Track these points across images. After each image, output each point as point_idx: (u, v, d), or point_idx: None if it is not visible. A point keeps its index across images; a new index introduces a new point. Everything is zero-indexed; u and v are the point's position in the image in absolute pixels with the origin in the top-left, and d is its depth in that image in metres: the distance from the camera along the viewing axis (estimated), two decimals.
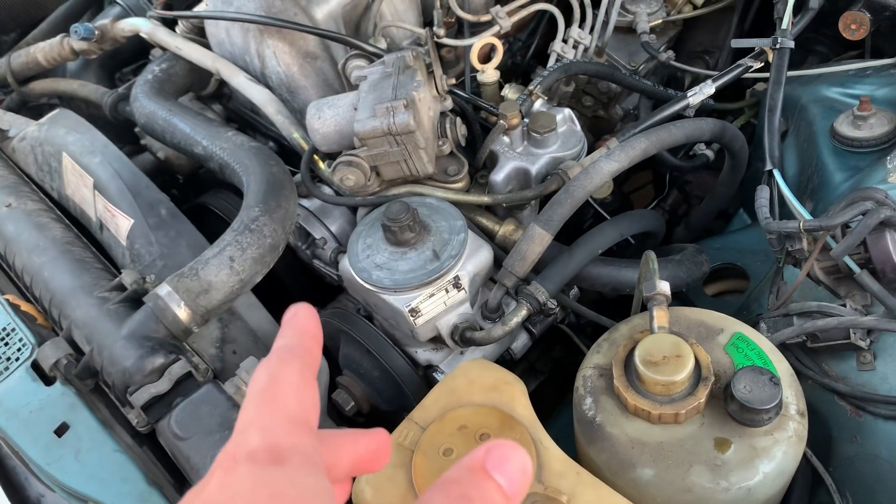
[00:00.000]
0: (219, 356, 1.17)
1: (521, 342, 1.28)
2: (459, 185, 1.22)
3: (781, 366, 0.94)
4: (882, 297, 1.00)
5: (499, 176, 1.22)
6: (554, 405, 1.51)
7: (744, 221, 1.62)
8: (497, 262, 1.17)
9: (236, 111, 1.60)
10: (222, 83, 1.54)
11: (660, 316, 0.94)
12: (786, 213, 1.14)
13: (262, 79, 1.42)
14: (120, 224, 1.27)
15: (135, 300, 1.11)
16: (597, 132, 1.70)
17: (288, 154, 1.42)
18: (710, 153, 1.50)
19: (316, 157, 1.28)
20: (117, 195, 1.28)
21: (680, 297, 1.40)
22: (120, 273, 1.14)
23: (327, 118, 1.20)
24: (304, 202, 1.34)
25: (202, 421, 0.99)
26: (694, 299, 1.42)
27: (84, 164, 1.32)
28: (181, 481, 1.02)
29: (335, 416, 1.24)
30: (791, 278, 1.11)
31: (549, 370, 1.53)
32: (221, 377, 1.11)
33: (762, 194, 1.12)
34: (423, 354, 1.19)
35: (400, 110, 1.09)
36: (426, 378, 1.20)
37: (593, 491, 0.86)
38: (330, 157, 1.26)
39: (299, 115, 1.36)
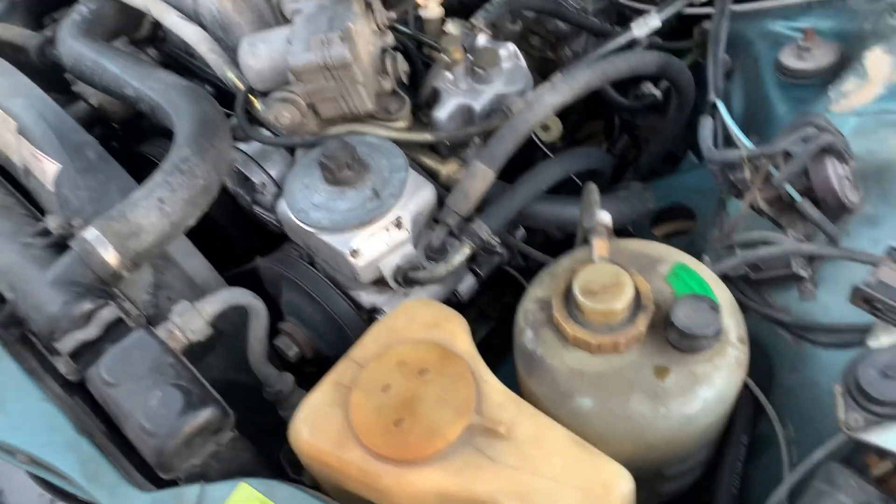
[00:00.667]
0: (153, 302, 1.13)
1: (467, 284, 1.26)
2: (401, 123, 1.19)
3: (722, 294, 0.93)
4: (822, 225, 1.00)
5: (442, 113, 1.19)
6: (504, 351, 1.50)
7: (693, 165, 1.61)
8: (441, 202, 1.14)
9: (172, 54, 1.54)
10: (157, 26, 1.47)
11: (600, 246, 0.92)
12: (730, 146, 1.13)
13: (194, 17, 1.35)
14: (46, 169, 1.21)
15: (61, 245, 1.06)
16: (546, 74, 1.66)
17: (227, 98, 1.36)
18: (657, 93, 1.48)
19: (252, 97, 1.23)
20: (42, 139, 1.21)
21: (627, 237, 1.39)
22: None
23: (261, 54, 1.15)
24: (242, 146, 1.29)
25: (133, 367, 0.96)
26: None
27: (6, 108, 1.25)
28: (113, 429, 0.99)
29: (279, 362, 1.21)
30: (735, 211, 1.10)
31: (499, 315, 1.52)
32: (155, 324, 1.07)
33: (705, 125, 1.11)
34: (367, 297, 1.17)
35: (335, 42, 1.05)
36: (370, 321, 1.18)
37: (533, 421, 0.85)
38: (267, 96, 1.21)
39: (234, 54, 1.30)
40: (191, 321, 1.01)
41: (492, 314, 1.52)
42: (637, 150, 1.72)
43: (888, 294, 0.86)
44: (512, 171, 1.17)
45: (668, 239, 1.46)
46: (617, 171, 1.71)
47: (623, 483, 0.79)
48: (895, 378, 0.81)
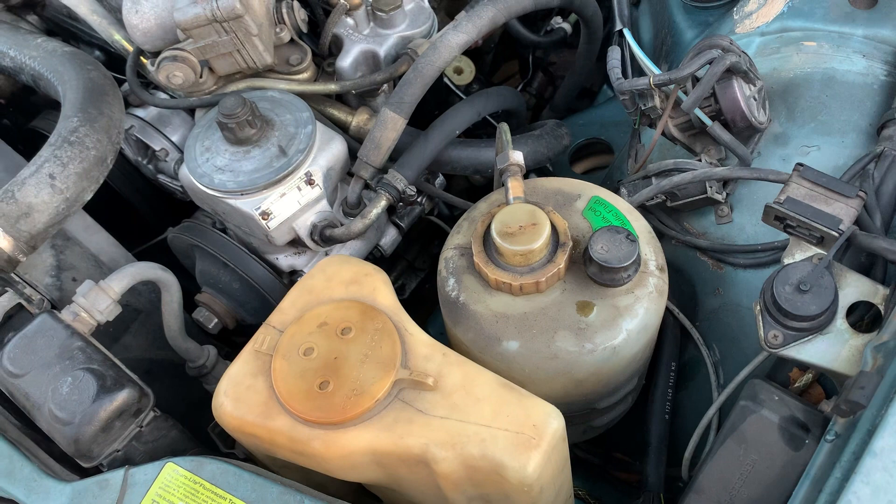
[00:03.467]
0: (56, 285, 1.06)
1: (389, 238, 1.23)
2: (304, 75, 1.13)
3: (639, 224, 0.93)
4: (733, 147, 1.00)
5: (345, 61, 1.14)
6: (436, 302, 1.49)
7: (609, 98, 1.60)
8: (353, 155, 1.10)
9: (54, 20, 1.43)
10: None
11: (514, 186, 0.90)
12: (642, 76, 1.12)
13: None
14: None
15: None
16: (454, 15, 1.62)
17: (118, 63, 1.28)
18: (567, 27, 1.46)
19: (143, 59, 1.16)
20: None
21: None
22: None
23: (146, 11, 1.08)
24: (139, 112, 1.22)
25: (38, 354, 0.91)
26: None
27: None
28: (27, 421, 0.94)
29: (200, 335, 1.16)
30: (649, 141, 1.10)
31: (428, 267, 1.50)
32: (61, 307, 1.01)
33: (613, 55, 1.09)
34: (285, 260, 1.13)
35: None
36: (292, 284, 1.14)
37: (460, 369, 0.83)
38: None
39: (119, 14, 1.22)
40: (97, 301, 0.95)
41: (421, 266, 1.50)
42: (553, 87, 1.71)
43: (798, 210, 0.87)
44: (429, 119, 1.14)
45: (587, 175, 1.46)
46: (534, 111, 1.70)
47: (553, 421, 0.78)
48: (809, 292, 0.83)
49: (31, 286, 1.01)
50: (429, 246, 1.49)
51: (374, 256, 1.24)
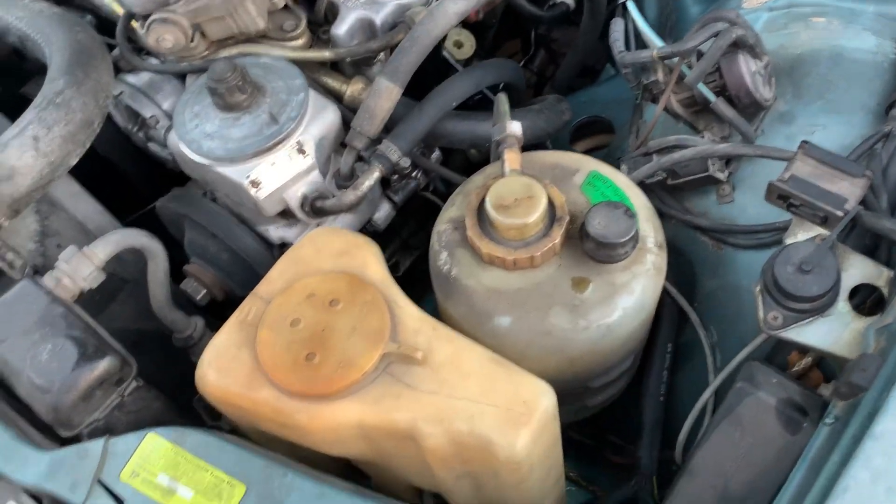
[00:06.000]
0: (40, 251, 1.04)
1: (383, 212, 1.20)
2: (298, 42, 1.10)
3: (638, 200, 0.91)
4: (737, 124, 0.97)
5: (341, 29, 1.11)
6: (428, 281, 1.47)
7: (611, 76, 1.57)
8: (347, 126, 1.08)
9: None
10: None
11: (511, 158, 0.88)
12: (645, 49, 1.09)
13: None
14: None
15: None
16: None
17: (109, 28, 1.25)
18: (570, 1, 1.43)
19: (134, 22, 1.13)
20: None
21: None
22: None
23: None
24: (129, 78, 1.19)
25: (18, 320, 0.89)
26: None
27: None
28: (6, 389, 0.92)
29: (188, 306, 1.14)
30: (651, 117, 1.07)
31: (423, 245, 1.48)
32: (45, 273, 0.99)
33: (616, 27, 1.06)
34: (276, 232, 1.10)
35: None
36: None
37: (450, 344, 0.81)
38: None
39: None
40: (80, 267, 0.93)
41: (416, 244, 1.47)
42: (555, 66, 1.67)
43: (802, 189, 0.84)
44: (426, 93, 1.11)
45: (588, 154, 1.43)
46: (535, 89, 1.67)
47: (545, 398, 0.76)
48: (811, 272, 0.81)
49: (13, 251, 0.99)
50: (424, 224, 1.46)
51: (367, 231, 1.22)
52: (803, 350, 0.91)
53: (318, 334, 0.82)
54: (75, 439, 0.89)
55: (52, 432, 0.90)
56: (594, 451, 1.21)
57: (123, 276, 1.15)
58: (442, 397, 0.78)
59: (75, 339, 0.87)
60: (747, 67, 0.94)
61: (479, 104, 1.22)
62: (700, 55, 0.97)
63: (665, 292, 1.04)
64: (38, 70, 1.42)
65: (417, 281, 1.51)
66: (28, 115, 0.95)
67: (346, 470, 1.08)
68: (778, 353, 0.94)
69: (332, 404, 0.79)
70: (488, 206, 0.84)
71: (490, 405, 0.76)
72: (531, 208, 0.83)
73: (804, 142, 0.85)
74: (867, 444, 0.65)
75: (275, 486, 0.80)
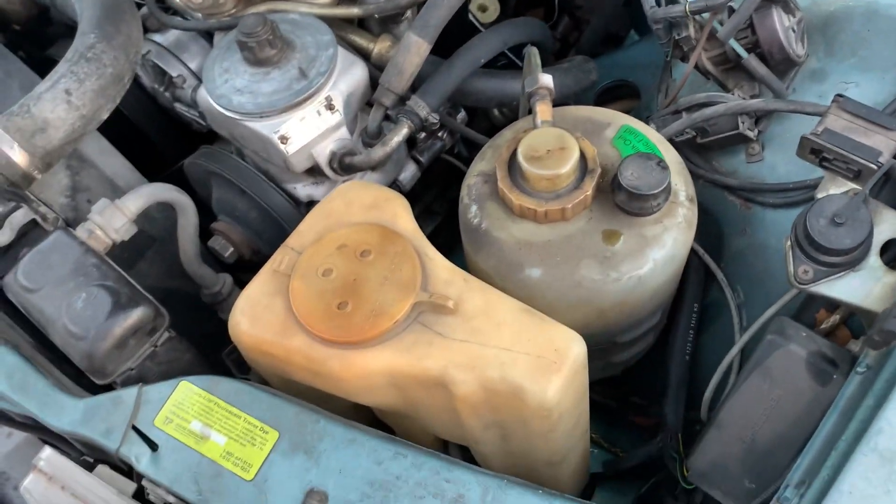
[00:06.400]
0: (71, 205, 1.05)
1: (409, 172, 1.21)
2: None
3: (670, 154, 0.90)
4: (769, 81, 0.97)
5: None
6: (451, 246, 1.47)
7: (635, 41, 1.56)
8: (374, 85, 1.08)
9: None
10: None
11: (542, 110, 0.87)
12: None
13: None
14: None
15: None
16: None
17: None
18: None
19: None
20: None
21: None
22: None
23: None
24: (157, 37, 1.20)
25: (53, 270, 0.90)
26: None
27: None
28: (41, 338, 0.93)
29: (216, 264, 1.15)
30: (681, 75, 1.07)
31: (445, 211, 1.48)
32: (75, 227, 1.00)
33: None
34: (304, 190, 1.11)
35: None
36: None
37: (481, 295, 0.82)
38: None
39: None
40: (112, 219, 0.94)
41: (438, 210, 1.48)
42: (579, 32, 1.66)
43: (836, 142, 0.84)
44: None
45: None
46: (559, 56, 1.65)
47: (575, 346, 0.77)
48: (844, 225, 0.80)
49: (45, 205, 1.00)
50: (447, 190, 1.46)
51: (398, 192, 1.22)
52: (832, 307, 0.91)
53: (349, 284, 0.82)
54: (109, 388, 0.90)
55: (86, 382, 0.92)
56: (617, 413, 1.21)
57: (152, 233, 1.16)
58: (473, 345, 0.78)
59: (109, 289, 0.88)
60: (781, 22, 0.94)
61: (504, 69, 1.22)
62: (732, 10, 0.97)
63: (692, 252, 1.04)
64: (62, 34, 1.43)
65: (438, 246, 1.52)
66: (60, 68, 0.96)
67: (371, 426, 1.09)
68: (805, 311, 0.93)
69: (364, 352, 0.80)
70: (520, 157, 0.84)
71: (521, 353, 0.77)
72: (563, 159, 0.83)
73: (838, 95, 0.85)
74: None
75: (307, 432, 0.81)
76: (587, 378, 0.82)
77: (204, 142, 1.22)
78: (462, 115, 1.22)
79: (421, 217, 1.46)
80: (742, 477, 0.84)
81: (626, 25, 1.60)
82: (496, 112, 1.32)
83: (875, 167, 0.82)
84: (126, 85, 1.00)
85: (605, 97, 1.44)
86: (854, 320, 0.91)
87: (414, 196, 1.35)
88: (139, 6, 1.15)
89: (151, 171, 1.29)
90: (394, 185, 1.20)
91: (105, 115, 0.99)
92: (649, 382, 1.15)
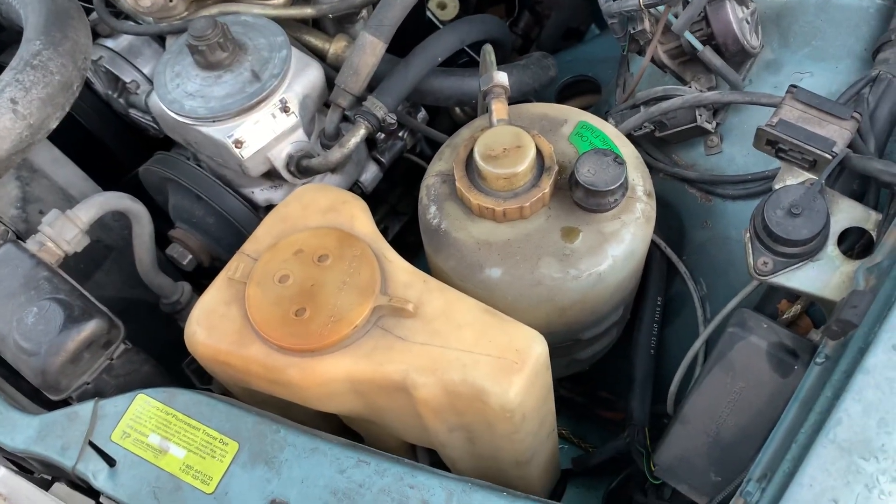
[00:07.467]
0: (21, 217, 1.03)
1: (370, 174, 1.19)
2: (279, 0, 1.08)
3: (627, 149, 0.90)
4: (725, 73, 0.97)
5: None
6: (418, 246, 1.46)
7: (596, 36, 1.56)
8: (331, 86, 1.06)
9: None
10: None
11: (498, 109, 0.87)
12: None
13: None
14: None
15: None
16: None
17: None
18: None
19: None
20: None
21: None
22: None
23: None
24: (109, 42, 1.17)
25: (3, 284, 0.88)
26: None
27: None
28: None
29: (175, 272, 1.13)
30: (637, 70, 1.06)
31: (411, 211, 1.47)
32: (26, 239, 0.98)
33: None
34: (262, 194, 1.09)
35: None
36: None
37: (441, 296, 0.81)
38: None
39: None
40: (63, 230, 0.92)
41: (404, 210, 1.47)
42: (539, 28, 1.66)
43: (791, 133, 0.84)
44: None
45: None
46: (520, 52, 1.65)
47: (536, 346, 0.76)
48: (801, 216, 0.80)
49: None
50: (411, 189, 1.45)
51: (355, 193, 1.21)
52: (793, 297, 0.91)
53: (307, 290, 0.81)
54: (64, 403, 0.88)
55: (40, 397, 0.90)
56: (585, 409, 1.21)
57: (108, 242, 1.13)
58: (434, 348, 0.77)
59: (61, 302, 0.86)
60: (734, 14, 0.94)
61: (464, 67, 1.21)
62: (686, 3, 0.96)
63: (654, 246, 1.04)
64: (13, 41, 1.39)
65: (405, 246, 1.50)
66: (5, 77, 0.93)
67: (339, 432, 1.08)
68: (768, 302, 0.94)
69: (324, 359, 0.78)
70: (477, 156, 0.83)
71: (483, 354, 0.76)
72: (520, 158, 0.82)
73: (792, 86, 0.85)
74: (858, 378, 0.65)
75: (267, 442, 0.79)
76: (550, 377, 0.82)
77: (161, 147, 1.20)
78: (423, 114, 1.21)
79: (387, 218, 1.45)
80: (708, 470, 0.84)
81: (586, 20, 1.60)
82: (458, 110, 1.31)
83: (829, 157, 0.82)
84: (76, 92, 0.98)
85: (566, 93, 1.44)
86: (816, 309, 0.91)
87: (378, 197, 1.34)
88: (88, 12, 1.13)
89: (110, 178, 1.27)
90: (355, 186, 1.19)
91: (54, 124, 0.96)
92: (616, 377, 1.15)
